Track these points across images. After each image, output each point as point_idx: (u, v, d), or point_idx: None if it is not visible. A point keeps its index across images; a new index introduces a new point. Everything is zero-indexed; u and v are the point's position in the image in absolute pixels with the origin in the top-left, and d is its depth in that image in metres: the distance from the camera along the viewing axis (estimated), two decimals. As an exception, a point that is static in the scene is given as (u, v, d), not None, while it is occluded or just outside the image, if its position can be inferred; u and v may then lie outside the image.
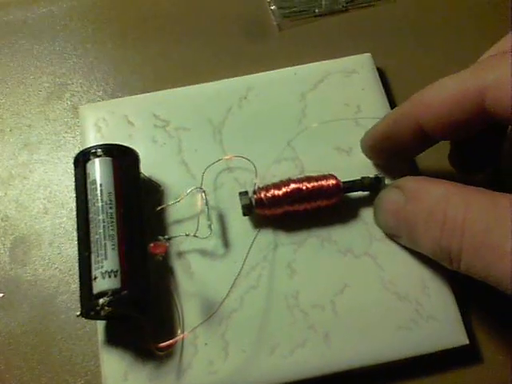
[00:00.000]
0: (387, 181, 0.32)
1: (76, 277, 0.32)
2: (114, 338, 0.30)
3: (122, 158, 0.30)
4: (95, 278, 0.27)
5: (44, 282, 0.32)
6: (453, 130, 0.27)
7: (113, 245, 0.28)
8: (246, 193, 0.31)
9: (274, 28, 0.39)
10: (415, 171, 0.34)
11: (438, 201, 0.26)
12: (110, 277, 0.27)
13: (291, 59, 0.36)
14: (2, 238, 0.33)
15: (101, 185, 0.29)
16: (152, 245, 0.29)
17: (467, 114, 0.26)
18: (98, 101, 0.37)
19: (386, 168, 0.33)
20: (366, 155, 0.33)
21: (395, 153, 0.31)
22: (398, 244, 0.31)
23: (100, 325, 0.30)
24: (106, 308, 0.27)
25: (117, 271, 0.27)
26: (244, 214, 0.31)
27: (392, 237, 0.31)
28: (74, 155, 0.31)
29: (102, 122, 0.34)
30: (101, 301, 0.27)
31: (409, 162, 0.33)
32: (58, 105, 0.37)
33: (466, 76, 0.26)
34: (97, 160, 0.30)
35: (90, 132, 0.34)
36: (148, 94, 0.35)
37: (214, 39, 0.39)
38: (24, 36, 0.39)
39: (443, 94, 0.27)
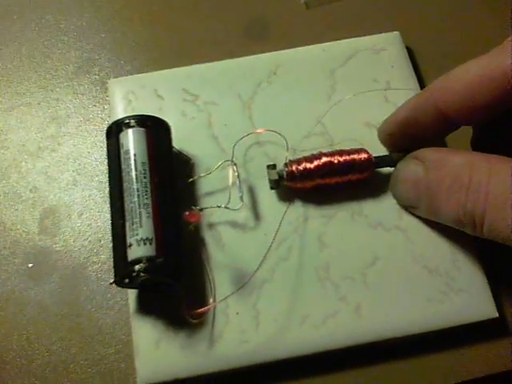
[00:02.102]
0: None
1: (106, 247, 0.32)
2: (145, 307, 0.30)
3: (154, 129, 0.30)
4: (130, 246, 0.28)
5: (74, 252, 0.33)
6: (476, 113, 0.27)
7: (147, 213, 0.28)
8: (274, 166, 0.31)
9: (301, 6, 0.39)
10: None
11: (462, 167, 0.26)
12: (145, 244, 0.27)
13: (319, 37, 0.36)
14: (31, 209, 0.34)
15: (135, 154, 0.29)
16: (187, 213, 0.29)
17: (491, 97, 0.26)
18: (126, 75, 0.37)
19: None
20: (384, 143, 0.33)
21: (415, 140, 0.31)
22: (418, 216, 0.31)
23: (131, 294, 0.30)
24: (142, 275, 0.27)
25: (152, 239, 0.28)
26: (271, 188, 0.31)
27: (408, 208, 0.31)
28: (106, 127, 0.31)
29: (131, 96, 0.34)
30: (137, 267, 0.27)
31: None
32: (86, 79, 0.37)
33: (489, 59, 0.26)
34: (130, 130, 0.30)
35: (120, 105, 0.34)
36: (178, 68, 0.35)
37: (243, 15, 0.39)
38: (51, 11, 0.39)
39: (466, 78, 0.27)
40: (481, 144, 0.32)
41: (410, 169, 0.30)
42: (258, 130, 0.33)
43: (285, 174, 0.31)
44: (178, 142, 0.32)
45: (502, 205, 0.24)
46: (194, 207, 0.30)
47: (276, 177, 0.31)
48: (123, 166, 0.29)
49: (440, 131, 0.30)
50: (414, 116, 0.29)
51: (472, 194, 0.25)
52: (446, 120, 0.28)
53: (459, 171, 0.26)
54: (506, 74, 0.25)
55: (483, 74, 0.26)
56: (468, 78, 0.27)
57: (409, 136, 0.30)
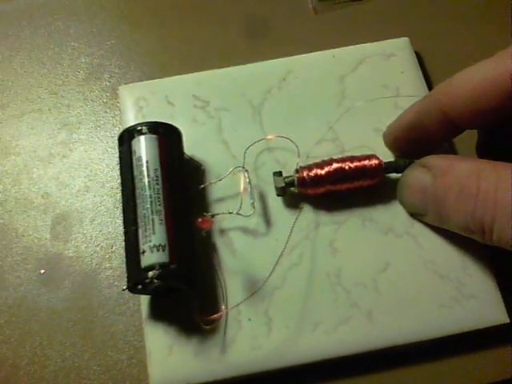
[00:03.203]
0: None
1: (118, 254, 0.32)
2: (157, 313, 0.30)
3: (166, 136, 0.31)
4: (143, 252, 0.28)
5: (86, 258, 0.33)
6: (481, 117, 0.27)
7: (160, 220, 0.28)
8: (280, 173, 0.31)
9: (310, 11, 0.39)
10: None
11: (469, 175, 0.26)
12: (158, 251, 0.28)
13: (328, 43, 0.36)
14: (43, 215, 0.34)
15: (147, 161, 0.29)
16: (200, 220, 0.29)
17: (496, 101, 0.26)
18: (137, 82, 0.37)
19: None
20: (389, 147, 0.33)
21: (420, 144, 0.31)
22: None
23: (144, 300, 0.30)
24: (155, 281, 0.27)
25: (165, 245, 0.28)
26: (278, 195, 0.31)
27: (416, 216, 0.31)
28: (117, 133, 0.31)
29: (142, 102, 0.34)
30: (150, 273, 0.27)
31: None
32: (97, 85, 0.37)
33: (494, 63, 0.27)
34: (142, 137, 0.30)
35: (130, 111, 0.34)
36: (188, 74, 0.35)
37: (251, 21, 0.39)
38: (60, 17, 0.40)
39: (471, 82, 0.27)
40: (486, 149, 0.32)
41: (417, 176, 0.30)
42: (269, 136, 0.33)
43: (296, 180, 0.31)
44: (189, 148, 0.33)
45: (511, 212, 0.24)
46: (206, 213, 0.30)
47: (282, 184, 0.31)
48: (135, 173, 0.29)
49: (445, 135, 0.30)
50: (419, 120, 0.30)
51: (480, 202, 0.25)
52: (450, 124, 0.28)
53: (467, 179, 0.26)
54: (509, 77, 0.25)
55: (487, 77, 0.26)
56: (472, 81, 0.27)
57: (413, 140, 0.31)
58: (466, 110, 0.27)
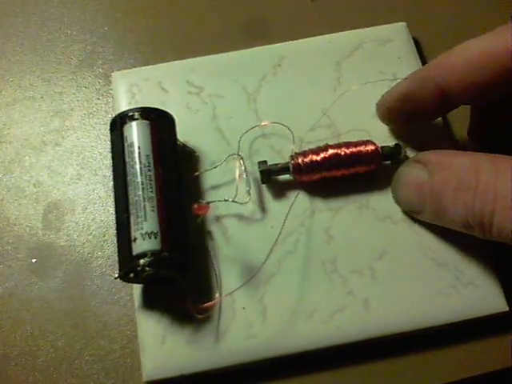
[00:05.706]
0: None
1: (111, 242, 0.32)
2: (150, 302, 0.30)
3: (158, 122, 0.30)
4: (135, 240, 0.27)
5: (78, 247, 0.32)
6: (475, 91, 0.27)
7: (152, 207, 0.28)
8: (265, 162, 0.31)
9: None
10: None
11: (468, 168, 0.26)
12: (150, 238, 0.27)
13: (324, 29, 0.36)
14: (35, 204, 0.33)
15: (139, 147, 0.29)
16: (196, 206, 0.29)
17: (492, 75, 0.26)
18: (130, 68, 0.36)
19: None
20: (382, 118, 0.32)
21: (413, 116, 0.30)
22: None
23: (136, 289, 0.30)
24: (147, 269, 0.26)
25: (156, 233, 0.27)
26: (262, 182, 0.31)
27: (411, 213, 0.30)
28: (110, 119, 0.31)
29: (135, 89, 0.34)
30: (141, 261, 0.27)
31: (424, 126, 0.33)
32: (90, 72, 0.37)
33: (491, 37, 0.26)
34: (134, 123, 0.29)
35: (124, 98, 0.34)
36: (182, 60, 0.35)
37: (247, 7, 0.38)
38: (53, 5, 0.39)
39: (468, 56, 0.27)
40: (478, 132, 0.31)
41: (413, 172, 0.29)
42: (264, 123, 0.32)
43: (291, 166, 0.30)
44: (183, 135, 0.32)
45: (510, 204, 0.24)
46: (201, 200, 0.30)
47: (265, 167, 0.30)
48: (127, 159, 0.29)
49: (438, 108, 0.30)
50: (413, 91, 0.29)
51: (480, 194, 0.25)
52: (444, 97, 0.28)
53: (465, 173, 0.26)
54: (508, 51, 0.25)
55: (485, 51, 0.26)
56: (469, 54, 0.27)
57: (406, 112, 0.30)
58: (461, 83, 0.27)
